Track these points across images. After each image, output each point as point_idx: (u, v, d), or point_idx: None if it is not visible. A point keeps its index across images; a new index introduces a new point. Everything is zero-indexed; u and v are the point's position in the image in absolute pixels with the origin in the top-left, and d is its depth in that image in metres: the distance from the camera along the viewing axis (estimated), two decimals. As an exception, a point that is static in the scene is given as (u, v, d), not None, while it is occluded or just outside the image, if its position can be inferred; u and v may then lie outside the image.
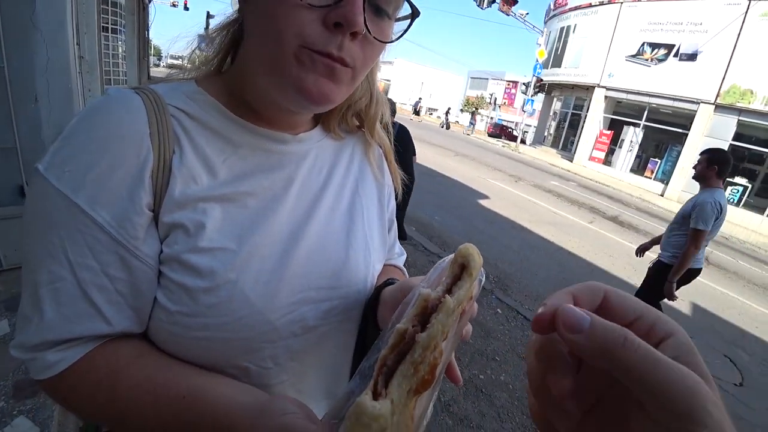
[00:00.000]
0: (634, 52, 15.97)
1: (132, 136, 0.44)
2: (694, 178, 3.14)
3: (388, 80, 50.68)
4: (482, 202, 7.73)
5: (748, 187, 13.25)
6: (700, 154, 3.08)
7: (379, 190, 0.69)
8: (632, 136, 16.61)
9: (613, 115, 17.86)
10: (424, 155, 11.48)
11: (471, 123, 28.07)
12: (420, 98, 36.53)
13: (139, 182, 0.43)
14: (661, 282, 3.10)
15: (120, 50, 10.35)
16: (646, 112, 16.29)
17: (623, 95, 16.65)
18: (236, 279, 0.46)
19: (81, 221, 0.42)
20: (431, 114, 41.13)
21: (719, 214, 2.91)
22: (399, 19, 0.51)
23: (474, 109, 34.63)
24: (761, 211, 12.88)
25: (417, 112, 31.64)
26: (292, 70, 0.44)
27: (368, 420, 0.28)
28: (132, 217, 0.43)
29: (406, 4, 0.49)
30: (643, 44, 15.71)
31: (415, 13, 0.49)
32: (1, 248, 2.36)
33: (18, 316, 0.44)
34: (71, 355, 0.43)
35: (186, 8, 22.48)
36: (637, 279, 5.46)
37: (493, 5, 17.67)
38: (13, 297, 2.19)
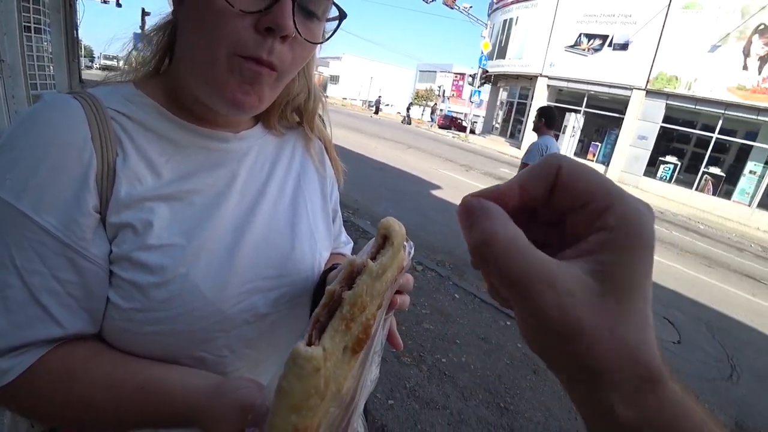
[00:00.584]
0: (572, 43, 16.84)
1: (73, 141, 0.44)
2: (533, 130, 3.97)
3: (329, 74, 50.36)
4: (435, 192, 7.88)
5: (677, 164, 14.47)
6: (536, 112, 3.97)
7: (321, 182, 0.71)
8: (574, 122, 17.50)
9: (555, 102, 18.72)
10: (377, 149, 11.57)
11: (432, 118, 28.51)
12: (380, 96, 36.68)
13: (84, 185, 0.44)
14: None
15: (46, 51, 9.53)
16: (585, 99, 17.26)
17: (564, 84, 17.53)
18: (186, 273, 0.48)
19: (26, 227, 0.42)
20: (382, 109, 41.45)
21: (544, 152, 3.63)
22: (329, 20, 0.53)
23: (434, 104, 35.08)
24: (689, 186, 14.07)
25: (377, 111, 31.72)
26: (220, 76, 0.46)
27: (302, 362, 0.31)
28: (78, 220, 0.43)
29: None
30: (580, 35, 16.59)
31: (342, 15, 0.52)
32: None
33: None
34: (24, 360, 0.43)
35: (119, 5, 21.04)
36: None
37: (438, -1, 18.01)
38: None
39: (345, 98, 42.81)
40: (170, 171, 0.51)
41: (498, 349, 2.99)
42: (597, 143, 17.34)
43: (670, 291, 5.13)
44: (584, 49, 16.49)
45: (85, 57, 19.94)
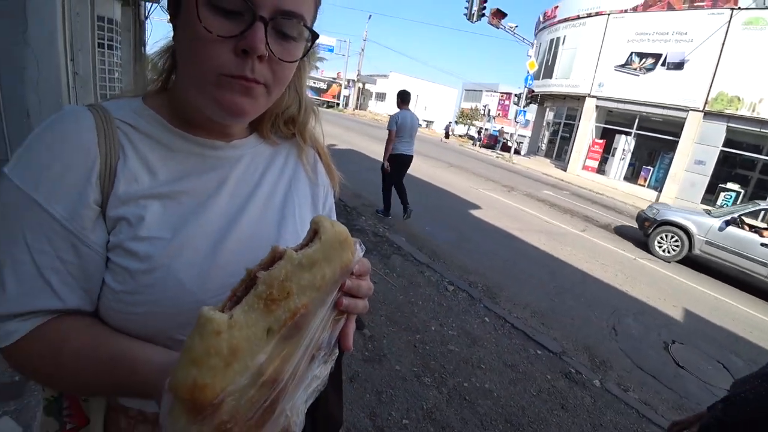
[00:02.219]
0: (623, 62, 16.27)
1: (81, 144, 0.52)
2: (396, 106, 5.85)
3: (376, 92, 51.53)
4: (473, 212, 7.76)
5: (740, 192, 13.31)
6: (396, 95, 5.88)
7: (313, 190, 0.74)
8: (624, 144, 16.78)
9: (605, 124, 18.08)
10: (419, 167, 11.59)
11: (478, 138, 28.41)
12: (450, 122, 37.29)
13: (87, 182, 0.51)
14: (393, 170, 5.89)
15: (115, 65, 10.53)
16: (637, 121, 16.52)
17: (614, 104, 16.89)
18: (169, 264, 0.53)
19: (39, 213, 0.49)
20: (428, 126, 41.67)
21: (398, 121, 5.68)
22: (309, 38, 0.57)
23: (482, 127, 34.88)
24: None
25: (447, 135, 32.09)
26: (213, 92, 0.52)
27: (204, 321, 0.34)
28: (81, 211, 0.51)
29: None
30: (631, 54, 16.02)
31: (314, 36, 0.56)
32: None
33: None
34: (26, 325, 0.50)
35: None
36: (629, 286, 5.49)
37: (483, 18, 17.97)
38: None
39: (390, 115, 43.43)
40: (165, 173, 0.58)
41: (525, 379, 2.85)
42: (649, 167, 16.45)
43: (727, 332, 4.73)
44: (636, 69, 15.86)
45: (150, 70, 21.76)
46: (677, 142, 14.80)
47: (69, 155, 0.51)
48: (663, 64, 15.06)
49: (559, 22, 19.72)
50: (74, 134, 0.52)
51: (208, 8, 0.48)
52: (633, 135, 16.72)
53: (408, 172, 6.18)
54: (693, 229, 7.03)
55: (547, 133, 22.94)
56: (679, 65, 14.59)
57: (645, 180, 16.32)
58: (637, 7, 15.99)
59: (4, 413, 1.65)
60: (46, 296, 0.50)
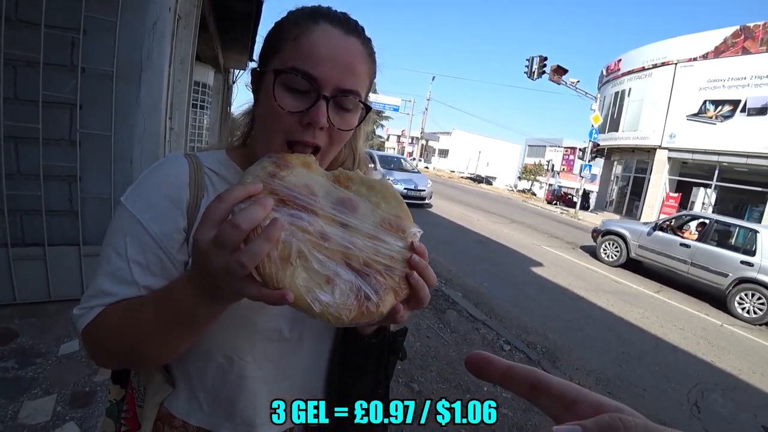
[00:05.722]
0: (696, 111, 15.43)
1: (177, 183, 0.65)
2: None
3: (439, 148, 52.40)
4: (535, 269, 7.43)
5: None
6: None
7: None
8: (704, 197, 15.51)
9: (679, 176, 16.93)
10: (479, 222, 11.48)
11: (555, 193, 27.61)
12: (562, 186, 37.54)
13: (179, 212, 0.64)
14: None
15: (204, 123, 12.13)
16: (717, 172, 15.29)
17: (688, 155, 15.85)
18: None
19: (141, 232, 0.61)
20: (490, 183, 41.52)
21: None
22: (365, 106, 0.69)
23: (549, 184, 33.81)
24: None
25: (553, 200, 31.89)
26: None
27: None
28: (172, 234, 0.63)
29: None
30: (704, 102, 15.18)
31: (367, 109, 0.68)
32: (85, 280, 2.72)
33: (86, 291, 0.62)
34: (101, 302, 0.61)
35: None
36: (714, 356, 4.87)
37: (543, 76, 18.14)
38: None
39: (453, 171, 44.24)
40: None
41: (586, 454, 2.58)
42: (736, 222, 14.97)
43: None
44: (711, 117, 14.92)
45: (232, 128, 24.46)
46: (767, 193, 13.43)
47: (168, 190, 0.64)
48: (743, 111, 14.04)
49: (624, 74, 19.37)
50: (173, 175, 0.65)
51: (282, 88, 0.59)
52: (713, 187, 15.43)
53: (467, 227, 6.12)
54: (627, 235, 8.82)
55: (615, 188, 21.78)
56: (762, 110, 13.53)
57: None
58: (707, 54, 15.35)
59: (70, 418, 1.81)
60: (131, 291, 0.60)
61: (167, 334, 0.56)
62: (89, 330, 0.60)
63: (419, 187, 11.96)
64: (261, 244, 0.42)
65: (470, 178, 38.66)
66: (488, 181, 31.93)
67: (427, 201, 12.29)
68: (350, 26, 0.62)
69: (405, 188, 11.50)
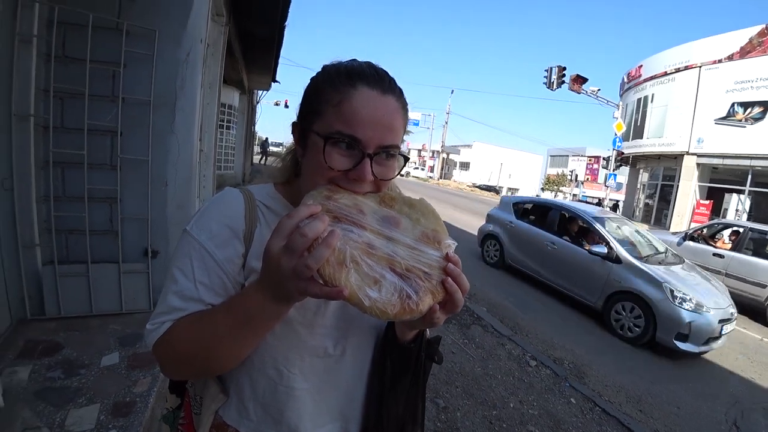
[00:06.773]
0: (724, 114, 14.95)
1: (235, 215, 0.72)
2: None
3: (460, 161, 52.06)
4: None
5: None
6: None
7: None
8: (737, 204, 14.92)
9: (709, 183, 16.39)
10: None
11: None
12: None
13: (237, 240, 0.71)
14: None
15: (231, 142, 12.63)
16: (750, 176, 14.72)
17: (718, 160, 15.35)
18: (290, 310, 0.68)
19: (206, 257, 0.69)
20: (498, 192, 41.14)
21: None
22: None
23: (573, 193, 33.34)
24: None
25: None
26: None
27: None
28: (233, 259, 0.70)
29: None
30: (732, 105, 14.71)
31: (405, 159, 0.74)
32: (124, 296, 2.87)
33: (156, 309, 0.69)
34: (171, 317, 0.68)
35: (287, 106, 29.05)
36: (755, 373, 4.66)
37: (563, 85, 17.99)
38: (127, 335, 2.61)
39: (474, 184, 43.88)
40: None
41: (617, 471, 2.53)
42: (774, 229, 14.31)
43: None
44: (740, 120, 14.41)
45: (257, 145, 24.10)
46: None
47: (227, 221, 0.71)
48: (774, 112, 13.59)
49: (645, 80, 19.01)
50: (232, 207, 0.73)
51: (330, 149, 0.64)
52: (747, 192, 14.85)
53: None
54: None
55: (642, 196, 21.17)
56: (795, 111, 13.06)
57: (770, 244, 14.15)
58: (732, 55, 14.91)
59: (113, 427, 1.91)
60: (198, 307, 0.67)
61: (235, 338, 0.62)
62: (160, 343, 0.67)
63: None
64: (323, 250, 0.50)
65: (479, 187, 38.20)
66: (496, 190, 31.54)
67: None
68: (386, 85, 0.67)
69: None
